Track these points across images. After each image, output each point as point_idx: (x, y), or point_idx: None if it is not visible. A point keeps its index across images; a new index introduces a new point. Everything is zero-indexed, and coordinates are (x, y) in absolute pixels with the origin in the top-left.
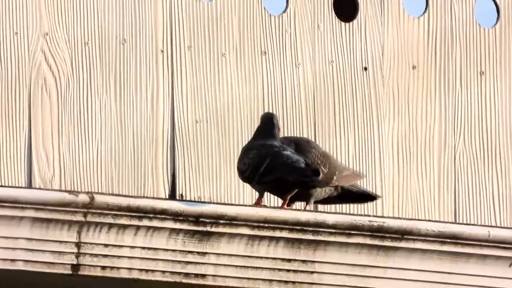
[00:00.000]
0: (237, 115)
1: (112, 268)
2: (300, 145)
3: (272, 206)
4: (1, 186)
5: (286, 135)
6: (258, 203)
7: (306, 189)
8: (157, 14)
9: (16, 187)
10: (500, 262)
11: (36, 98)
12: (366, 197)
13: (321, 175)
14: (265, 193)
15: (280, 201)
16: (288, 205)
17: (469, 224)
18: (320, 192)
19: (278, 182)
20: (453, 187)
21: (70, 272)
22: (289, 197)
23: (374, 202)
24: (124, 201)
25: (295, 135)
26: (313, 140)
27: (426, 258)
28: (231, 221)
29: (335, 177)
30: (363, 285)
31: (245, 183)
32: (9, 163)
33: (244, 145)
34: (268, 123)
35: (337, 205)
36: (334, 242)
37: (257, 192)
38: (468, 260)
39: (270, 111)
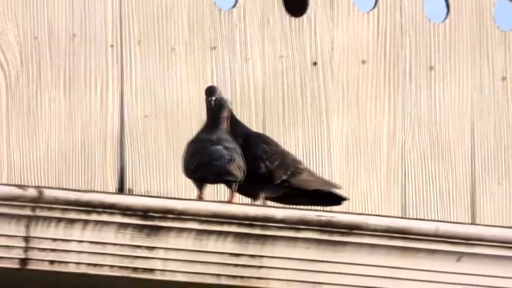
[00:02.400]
0: (186, 110)
1: (60, 262)
2: (249, 140)
3: (220, 200)
4: None
5: None
6: (200, 197)
7: (228, 184)
8: (107, 9)
9: None
10: (448, 256)
11: None
12: (331, 198)
13: (238, 172)
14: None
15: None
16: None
17: (417, 219)
18: (271, 190)
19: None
20: (402, 182)
21: (18, 266)
22: (235, 192)
23: None
24: (72, 196)
25: None
26: None
27: (374, 253)
28: (180, 215)
29: (284, 176)
30: (312, 280)
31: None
32: None
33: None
34: (215, 111)
35: None
36: (282, 237)
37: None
38: (416, 255)
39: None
